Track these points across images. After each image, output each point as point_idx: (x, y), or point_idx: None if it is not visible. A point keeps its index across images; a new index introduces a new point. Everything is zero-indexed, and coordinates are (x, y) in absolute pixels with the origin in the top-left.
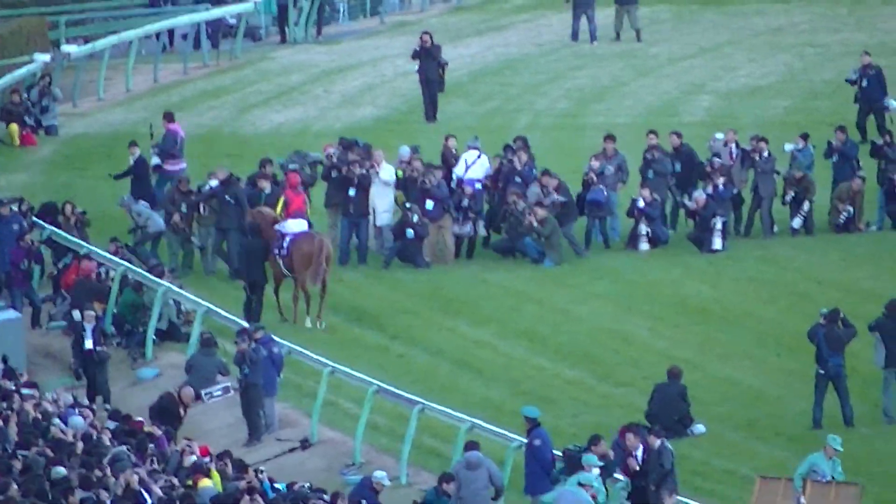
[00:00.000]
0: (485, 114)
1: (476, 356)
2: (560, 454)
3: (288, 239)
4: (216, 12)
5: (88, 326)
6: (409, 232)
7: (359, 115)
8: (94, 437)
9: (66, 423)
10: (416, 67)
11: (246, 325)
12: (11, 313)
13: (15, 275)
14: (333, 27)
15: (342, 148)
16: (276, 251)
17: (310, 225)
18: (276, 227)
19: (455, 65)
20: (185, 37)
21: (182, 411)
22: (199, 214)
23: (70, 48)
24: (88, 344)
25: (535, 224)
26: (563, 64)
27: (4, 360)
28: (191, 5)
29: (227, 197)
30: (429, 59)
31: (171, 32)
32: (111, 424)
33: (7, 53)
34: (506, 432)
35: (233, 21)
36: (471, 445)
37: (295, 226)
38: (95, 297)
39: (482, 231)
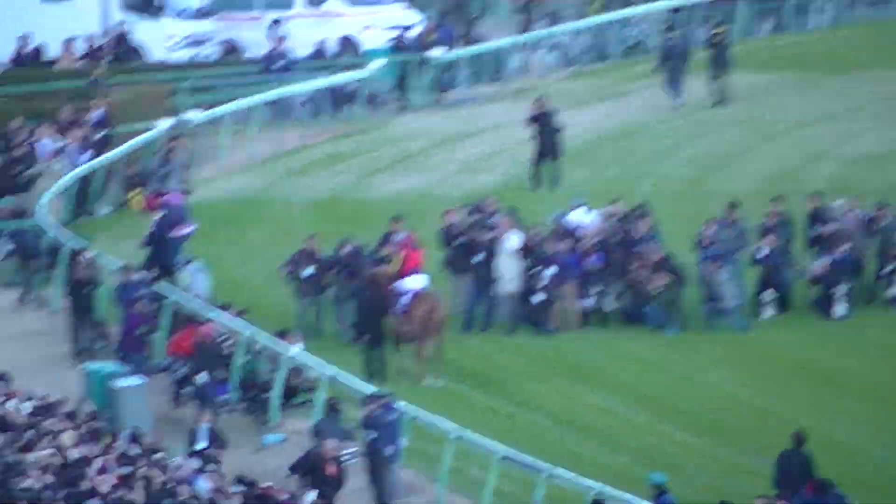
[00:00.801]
0: (605, 181)
1: (602, 423)
2: None
3: (407, 296)
4: (337, 79)
5: (204, 427)
6: (536, 297)
7: (479, 182)
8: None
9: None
10: (533, 134)
11: (373, 389)
12: (136, 379)
13: (129, 341)
14: (454, 93)
15: (473, 213)
16: (395, 308)
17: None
18: (396, 284)
19: (575, 131)
20: (303, 104)
21: (329, 468)
22: (331, 277)
23: (191, 114)
24: (201, 445)
25: (654, 293)
26: (683, 131)
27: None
28: (309, 72)
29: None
30: (545, 124)
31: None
32: (237, 489)
33: (127, 119)
34: (633, 498)
35: (354, 87)
36: (597, 502)
37: (413, 283)
38: (218, 360)
39: (608, 306)
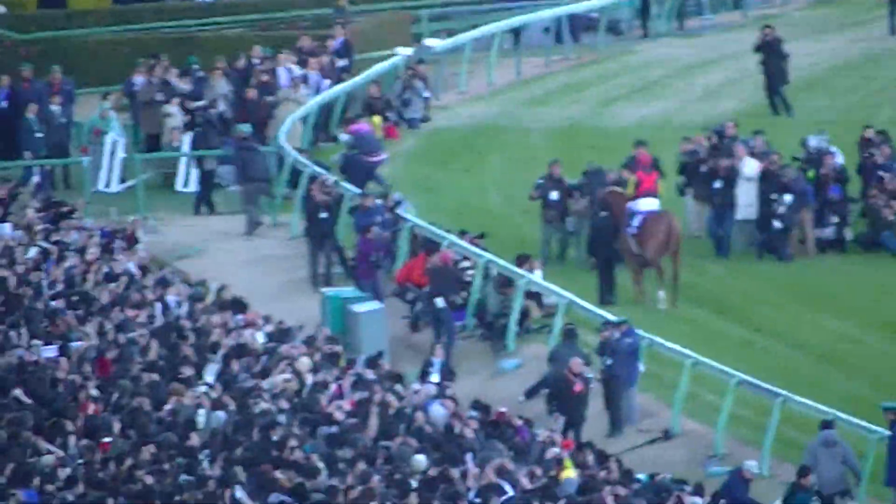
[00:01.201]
0: (845, 108)
1: (839, 349)
2: None
3: (640, 217)
4: (579, 6)
5: (437, 361)
6: (775, 223)
7: (720, 109)
8: (457, 429)
9: (428, 414)
10: (760, 60)
11: (610, 316)
12: (374, 304)
13: (362, 266)
14: (695, 21)
15: (712, 138)
16: (627, 229)
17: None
18: (628, 205)
19: (816, 59)
20: (547, 30)
21: (577, 386)
22: (572, 201)
23: (433, 42)
24: (434, 378)
25: (891, 217)
26: None
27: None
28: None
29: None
30: (771, 52)
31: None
32: (473, 414)
33: (370, 47)
34: (869, 425)
35: (595, 15)
36: (826, 424)
37: (647, 204)
38: (455, 286)
39: (848, 236)
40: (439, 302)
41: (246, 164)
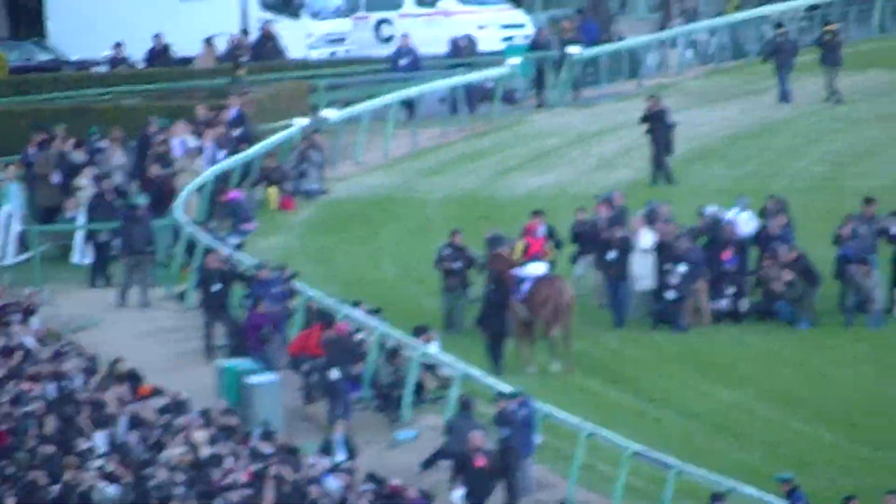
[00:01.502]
0: (740, 177)
1: (733, 419)
2: None
3: (529, 283)
4: (474, 76)
5: (339, 438)
6: (669, 294)
7: (615, 179)
8: (348, 501)
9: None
10: (647, 130)
11: (505, 387)
12: (268, 376)
13: (252, 339)
14: (591, 90)
15: (601, 205)
16: (516, 295)
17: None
18: (516, 271)
19: (710, 128)
20: (443, 100)
21: (478, 460)
22: (475, 270)
23: (329, 113)
24: (339, 456)
25: (782, 289)
26: (820, 127)
27: (269, 431)
28: (443, 70)
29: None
30: (657, 122)
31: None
32: (368, 487)
33: (266, 118)
34: (764, 496)
35: (490, 84)
36: (717, 497)
37: (535, 269)
38: (351, 357)
39: (744, 307)
40: (334, 373)
41: (129, 234)
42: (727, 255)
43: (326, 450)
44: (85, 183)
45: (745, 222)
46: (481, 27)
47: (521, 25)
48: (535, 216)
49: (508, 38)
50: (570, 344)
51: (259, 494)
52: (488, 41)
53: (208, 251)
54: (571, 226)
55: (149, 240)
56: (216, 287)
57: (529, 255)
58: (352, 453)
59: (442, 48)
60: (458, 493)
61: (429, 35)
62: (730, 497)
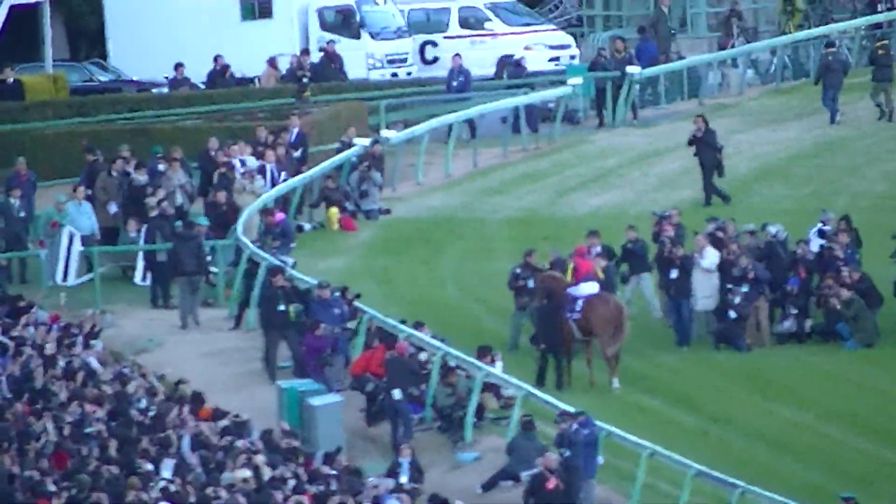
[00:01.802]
0: (802, 197)
1: (795, 439)
2: None
3: (581, 301)
4: (535, 96)
5: (405, 462)
6: (731, 314)
7: (675, 199)
8: None
9: None
10: (694, 153)
11: (567, 408)
12: (332, 397)
13: (310, 362)
14: (651, 110)
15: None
16: (569, 314)
17: (602, 288)
18: (569, 290)
19: (773, 148)
20: (504, 120)
21: (549, 483)
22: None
23: (389, 133)
24: (404, 479)
25: (839, 307)
26: (881, 146)
27: (330, 454)
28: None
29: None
30: (703, 144)
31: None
32: None
33: (326, 139)
34: None
35: (551, 105)
36: None
37: (588, 288)
38: (411, 378)
39: (807, 329)
40: (396, 394)
41: (178, 255)
42: (802, 273)
43: (393, 473)
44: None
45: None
46: (528, 48)
47: (567, 46)
48: (591, 236)
49: (555, 59)
50: (619, 359)
51: None
52: (535, 62)
53: (274, 271)
54: (622, 245)
55: (199, 261)
56: (281, 307)
57: (579, 277)
58: (418, 476)
59: (489, 70)
60: None
61: (475, 56)
62: None
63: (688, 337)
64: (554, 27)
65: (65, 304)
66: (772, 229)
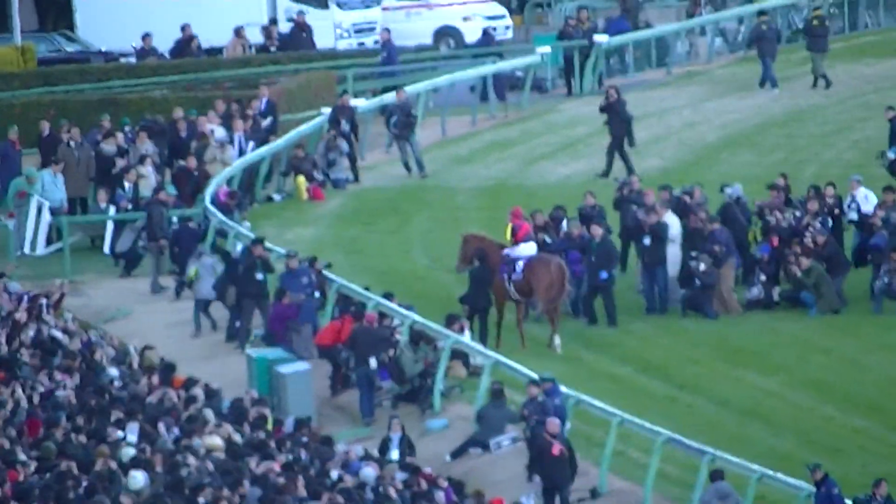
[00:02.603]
0: (770, 165)
1: (764, 406)
2: None
3: (521, 263)
4: (504, 65)
5: (395, 437)
6: (697, 281)
7: (644, 167)
8: (382, 490)
9: (355, 475)
10: (605, 122)
11: (534, 375)
12: (301, 364)
13: (277, 330)
14: (619, 79)
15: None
16: (506, 275)
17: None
18: (506, 251)
19: (742, 115)
20: (472, 89)
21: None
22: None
23: (358, 102)
24: (394, 454)
25: (799, 274)
26: (849, 115)
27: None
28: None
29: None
30: (614, 113)
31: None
32: (400, 476)
33: (295, 108)
34: (795, 482)
35: (520, 73)
36: (717, 475)
37: (526, 249)
38: (381, 346)
39: (775, 297)
40: (373, 362)
41: (151, 223)
42: (774, 241)
43: (383, 449)
44: (147, 172)
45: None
46: (466, 18)
47: (502, 17)
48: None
49: (493, 30)
50: (559, 318)
51: (293, 483)
52: (473, 32)
53: (255, 241)
54: (578, 208)
55: (164, 227)
56: (260, 276)
57: (519, 238)
58: (409, 451)
59: (426, 40)
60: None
61: (411, 28)
62: (762, 483)
63: (664, 304)
64: None
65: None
66: (729, 190)
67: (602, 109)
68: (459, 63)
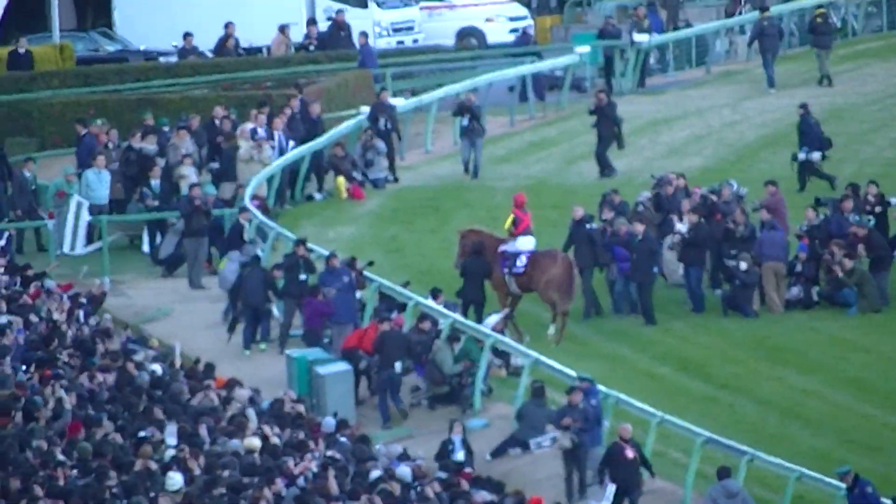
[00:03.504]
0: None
1: (804, 405)
2: (890, 502)
3: (524, 257)
4: (543, 65)
5: (457, 439)
6: (738, 281)
7: (685, 166)
8: (419, 488)
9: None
10: (593, 124)
11: (573, 373)
12: (341, 365)
13: (316, 326)
14: (659, 78)
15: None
16: (507, 270)
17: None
18: (505, 246)
19: (781, 114)
20: (511, 89)
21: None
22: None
23: (397, 101)
24: (458, 456)
25: (841, 275)
26: (888, 113)
27: (342, 420)
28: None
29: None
30: (603, 116)
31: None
32: (440, 475)
33: (334, 107)
34: (834, 481)
35: (559, 73)
36: (724, 473)
37: (526, 243)
38: (405, 352)
39: (815, 295)
40: (398, 367)
41: (189, 219)
42: (805, 240)
43: (444, 451)
44: (188, 172)
45: None
46: (489, 20)
47: (524, 17)
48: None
49: (515, 31)
50: (567, 315)
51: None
52: (496, 33)
53: (298, 241)
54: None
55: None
56: (303, 276)
57: (519, 231)
58: (468, 456)
59: (449, 41)
60: (611, 488)
61: (433, 27)
62: (800, 483)
63: (700, 304)
64: None
65: (83, 277)
66: (732, 186)
67: (591, 112)
68: (494, 63)
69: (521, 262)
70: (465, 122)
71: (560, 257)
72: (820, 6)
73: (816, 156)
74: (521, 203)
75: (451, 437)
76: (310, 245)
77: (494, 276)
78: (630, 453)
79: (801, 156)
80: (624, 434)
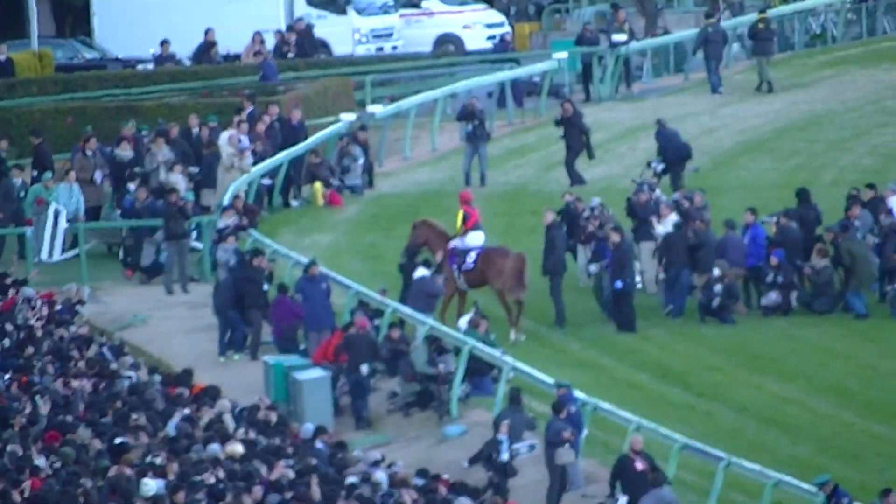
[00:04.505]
0: (789, 170)
1: (783, 412)
2: None
3: (474, 253)
4: (521, 71)
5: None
6: (717, 288)
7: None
8: (396, 495)
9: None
10: (561, 135)
11: (555, 381)
12: (319, 371)
13: (289, 325)
14: (637, 85)
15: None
16: (455, 266)
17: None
18: (454, 243)
19: (760, 121)
20: (490, 95)
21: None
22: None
23: (375, 108)
24: (505, 457)
25: (809, 273)
26: (867, 120)
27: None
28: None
29: None
30: (570, 126)
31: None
32: (418, 482)
33: (313, 114)
34: (812, 489)
35: (537, 79)
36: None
37: (475, 239)
38: (371, 354)
39: (794, 302)
40: (364, 369)
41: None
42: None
43: (488, 451)
44: (177, 179)
45: None
46: (466, 27)
47: (501, 24)
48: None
49: (492, 38)
50: (523, 312)
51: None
52: (474, 40)
53: (255, 251)
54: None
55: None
56: (265, 287)
57: (469, 226)
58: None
59: (427, 48)
60: (622, 500)
61: (411, 34)
62: (778, 489)
63: (681, 308)
64: (485, 6)
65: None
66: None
67: (557, 123)
68: (473, 69)
69: (471, 258)
70: (470, 127)
71: (512, 253)
72: (762, 10)
73: (661, 167)
74: (467, 199)
75: (498, 437)
76: (286, 252)
77: (444, 270)
78: (640, 465)
79: (658, 167)
80: (635, 446)
